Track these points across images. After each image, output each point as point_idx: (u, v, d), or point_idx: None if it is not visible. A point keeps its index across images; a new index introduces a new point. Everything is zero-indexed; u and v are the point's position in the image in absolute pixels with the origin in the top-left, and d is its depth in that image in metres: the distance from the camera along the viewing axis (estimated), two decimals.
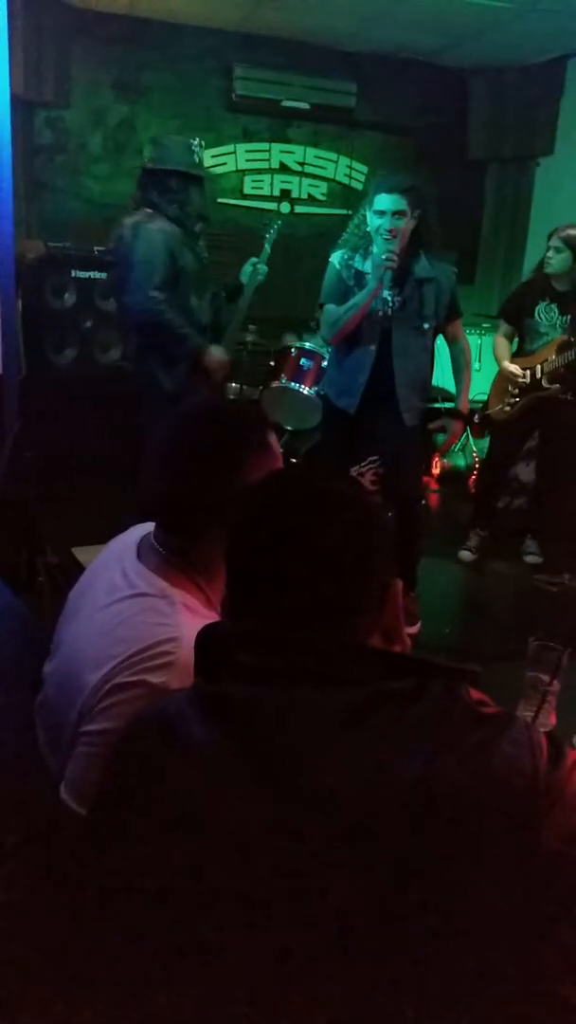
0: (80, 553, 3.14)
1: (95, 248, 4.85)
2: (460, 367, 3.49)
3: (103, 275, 4.80)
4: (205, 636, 0.92)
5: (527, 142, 5.63)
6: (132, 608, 1.24)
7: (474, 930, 0.77)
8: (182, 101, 5.33)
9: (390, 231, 3.05)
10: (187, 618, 1.21)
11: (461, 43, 5.11)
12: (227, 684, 0.88)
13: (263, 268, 3.68)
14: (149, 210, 3.29)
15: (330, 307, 3.27)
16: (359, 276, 3.21)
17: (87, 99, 5.14)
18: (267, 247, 3.76)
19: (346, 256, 3.25)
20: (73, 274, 4.72)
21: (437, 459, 5.54)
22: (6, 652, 1.44)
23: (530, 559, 4.30)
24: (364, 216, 3.18)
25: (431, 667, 0.87)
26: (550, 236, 3.96)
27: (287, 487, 0.97)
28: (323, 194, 5.81)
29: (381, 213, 3.07)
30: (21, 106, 4.78)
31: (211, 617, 1.25)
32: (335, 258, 3.29)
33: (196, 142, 3.43)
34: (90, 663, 1.20)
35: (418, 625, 3.41)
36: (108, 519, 1.48)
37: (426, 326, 3.24)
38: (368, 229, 3.15)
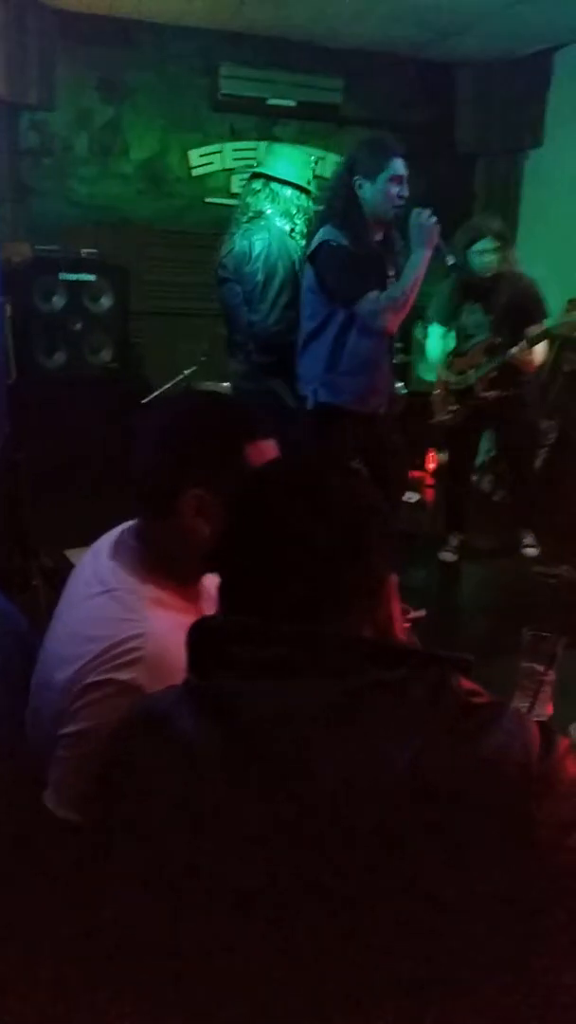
0: (73, 555, 3.12)
1: (83, 250, 4.84)
2: None
3: (92, 277, 4.80)
4: (196, 631, 0.92)
5: (515, 135, 5.62)
6: (100, 606, 1.22)
7: (470, 919, 0.77)
8: (168, 101, 5.31)
9: (401, 197, 3.02)
10: (155, 612, 1.19)
11: (447, 37, 5.09)
12: (219, 678, 0.87)
13: None
14: (263, 222, 3.28)
15: (373, 293, 3.05)
16: (369, 247, 3.10)
17: (72, 101, 5.12)
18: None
19: (340, 232, 3.05)
20: (61, 277, 4.71)
21: (432, 454, 5.52)
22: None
23: (528, 552, 4.29)
24: (350, 185, 3.05)
25: (423, 657, 0.86)
26: (476, 239, 3.78)
27: (280, 479, 0.96)
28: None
29: (400, 179, 3.02)
30: (5, 109, 4.77)
31: (184, 610, 1.23)
32: (334, 236, 3.04)
33: (313, 158, 3.48)
34: (61, 663, 1.19)
35: (423, 611, 3.40)
36: (101, 521, 1.46)
37: None
38: (365, 197, 3.04)
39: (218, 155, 5.48)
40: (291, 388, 3.34)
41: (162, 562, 1.26)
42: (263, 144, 5.50)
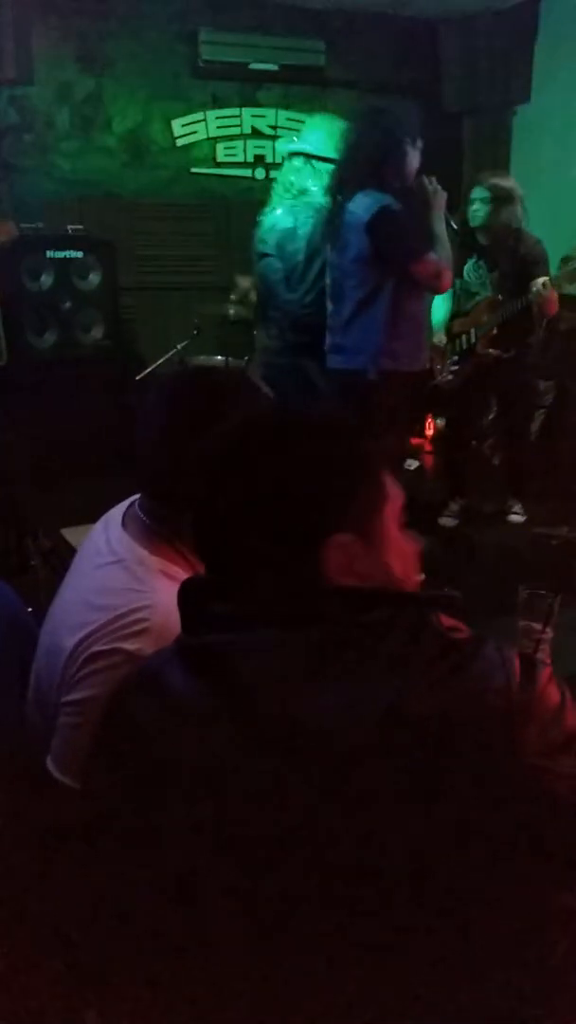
0: (70, 534, 3.11)
1: (69, 227, 4.78)
2: None
3: (79, 254, 4.74)
4: (184, 590, 0.94)
5: (503, 90, 5.53)
6: (109, 575, 1.24)
7: (461, 855, 0.77)
8: (148, 70, 5.22)
9: None
10: (163, 584, 1.20)
11: None
12: (204, 635, 0.89)
13: None
14: (308, 198, 3.25)
15: (433, 255, 3.02)
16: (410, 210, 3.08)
17: (51, 74, 5.03)
18: None
19: (386, 195, 2.97)
20: (48, 255, 4.65)
21: (430, 420, 5.49)
22: None
23: (514, 519, 4.26)
24: (390, 148, 2.99)
25: (403, 598, 0.88)
26: (472, 187, 3.83)
27: (239, 430, 0.96)
28: None
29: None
30: None
31: None
32: (388, 200, 2.94)
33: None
34: (69, 630, 1.20)
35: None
36: (98, 500, 1.47)
37: None
38: (407, 161, 3.01)
39: (202, 124, 5.40)
40: (320, 368, 3.32)
41: (169, 537, 1.27)
42: (245, 111, 5.45)
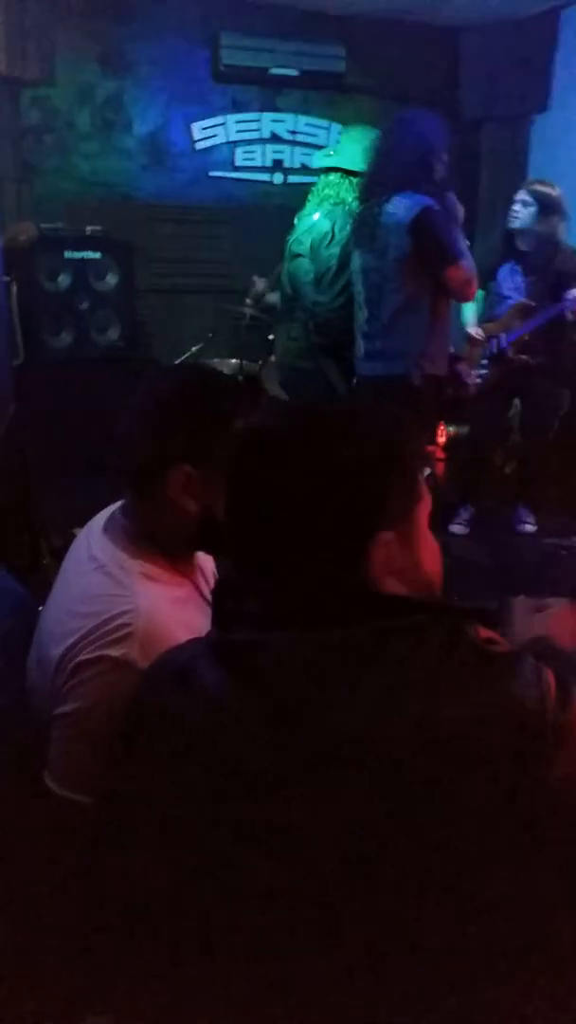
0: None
1: (88, 228, 4.79)
2: None
3: (97, 255, 4.76)
4: (218, 589, 0.96)
5: (521, 99, 5.52)
6: (91, 582, 1.22)
7: (484, 870, 0.78)
8: (169, 74, 5.24)
9: None
10: (145, 587, 1.19)
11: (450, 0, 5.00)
12: (237, 632, 0.89)
13: None
14: (346, 207, 3.30)
15: (467, 261, 3.02)
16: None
17: (73, 76, 5.06)
18: None
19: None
20: (67, 255, 4.67)
21: (442, 427, 5.48)
22: (6, 638, 1.42)
23: (525, 528, 4.25)
24: (428, 154, 3.03)
25: (437, 606, 0.87)
26: (518, 191, 3.88)
27: (259, 437, 0.96)
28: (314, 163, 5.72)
29: None
30: (7, 86, 4.73)
31: (175, 584, 1.24)
32: (429, 202, 2.95)
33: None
34: (55, 640, 1.19)
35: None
36: (110, 501, 1.47)
37: None
38: (440, 170, 3.03)
39: (221, 128, 5.42)
40: (340, 370, 3.35)
41: (151, 538, 1.25)
42: (264, 115, 5.46)
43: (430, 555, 0.95)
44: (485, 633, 0.85)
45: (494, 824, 0.77)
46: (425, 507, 0.95)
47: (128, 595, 1.17)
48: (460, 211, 3.09)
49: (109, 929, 0.93)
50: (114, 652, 1.12)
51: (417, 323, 3.07)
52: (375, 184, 3.08)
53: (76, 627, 1.15)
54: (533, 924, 0.80)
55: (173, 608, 1.15)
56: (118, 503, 1.34)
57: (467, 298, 3.19)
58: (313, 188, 3.52)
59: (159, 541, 1.25)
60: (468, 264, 3.02)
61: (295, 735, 0.81)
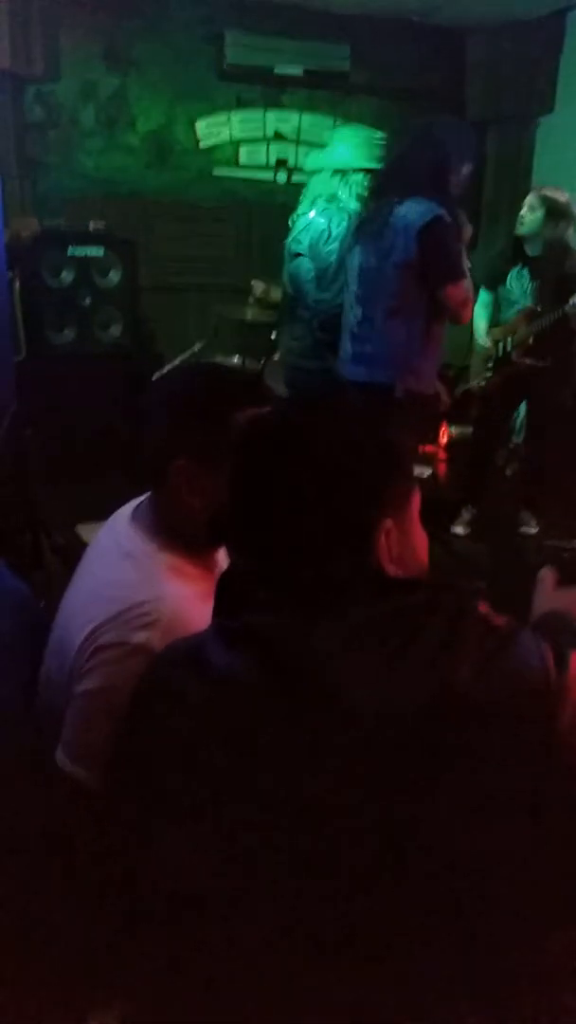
0: (84, 531, 3.13)
1: (91, 224, 4.79)
2: None
3: (100, 251, 4.75)
4: (225, 578, 0.97)
5: (527, 101, 5.52)
6: (119, 569, 1.25)
7: (498, 835, 0.81)
8: (173, 71, 5.23)
9: None
10: (170, 578, 1.22)
11: (456, 0, 4.98)
12: (247, 618, 0.91)
13: None
14: (341, 204, 3.33)
15: (467, 281, 2.92)
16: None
17: (77, 72, 5.05)
18: None
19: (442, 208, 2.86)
20: (69, 252, 4.66)
21: (444, 428, 5.48)
22: (7, 637, 1.42)
23: (526, 530, 4.26)
24: (445, 165, 2.93)
25: (442, 585, 0.91)
26: (527, 196, 3.87)
27: (262, 429, 0.99)
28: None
29: None
30: (11, 82, 4.72)
31: (198, 576, 1.26)
32: (443, 212, 2.83)
33: (379, 135, 3.47)
34: (79, 622, 1.21)
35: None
36: (112, 498, 1.48)
37: None
38: (458, 182, 2.95)
39: (225, 125, 5.41)
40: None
41: (172, 532, 1.28)
42: (268, 113, 5.46)
43: (421, 542, 1.00)
44: (484, 607, 0.90)
45: (508, 787, 0.81)
46: (417, 497, 0.99)
47: (155, 585, 1.20)
48: (468, 231, 3.01)
49: (119, 910, 0.93)
50: (136, 638, 1.14)
51: (410, 334, 2.96)
52: (388, 183, 3.00)
53: (101, 611, 1.18)
54: (552, 883, 0.84)
55: (197, 603, 1.18)
56: (145, 495, 1.37)
57: (461, 319, 3.01)
58: (305, 188, 3.53)
59: (179, 534, 1.28)
60: (469, 285, 2.94)
61: (307, 711, 0.84)
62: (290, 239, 3.52)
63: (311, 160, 3.68)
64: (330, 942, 0.82)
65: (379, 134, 3.46)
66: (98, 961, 0.97)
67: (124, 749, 1.03)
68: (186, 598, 1.20)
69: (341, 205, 3.33)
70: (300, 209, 3.50)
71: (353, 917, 0.82)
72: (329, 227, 3.32)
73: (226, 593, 0.96)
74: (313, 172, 3.52)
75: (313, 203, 3.41)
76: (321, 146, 5.64)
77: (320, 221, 3.35)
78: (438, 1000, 0.82)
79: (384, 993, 0.82)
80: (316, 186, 3.43)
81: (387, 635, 0.84)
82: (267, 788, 0.84)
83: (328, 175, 3.37)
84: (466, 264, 2.96)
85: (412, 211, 2.84)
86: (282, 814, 0.83)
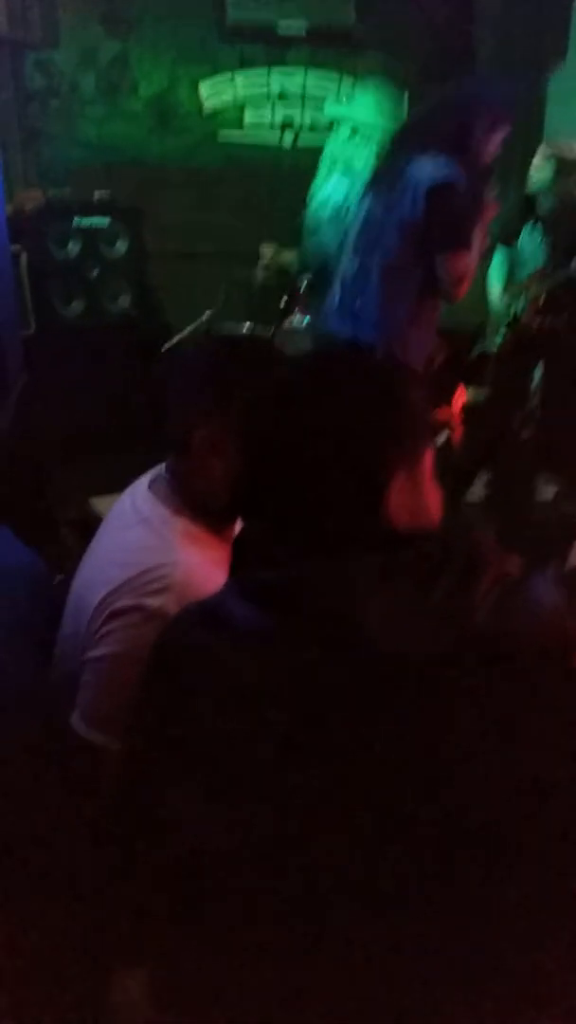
0: (98, 503, 3.12)
1: (96, 193, 4.73)
2: None
3: (106, 221, 4.70)
4: (241, 538, 0.99)
5: (537, 52, 5.37)
6: (135, 534, 1.27)
7: (513, 786, 0.80)
8: (174, 32, 5.13)
9: None
10: (186, 543, 1.24)
11: None
12: (265, 574, 0.92)
13: None
14: (352, 175, 3.35)
15: (473, 254, 2.76)
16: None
17: (76, 38, 4.96)
18: None
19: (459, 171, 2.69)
20: (75, 223, 4.60)
21: (461, 389, 5.42)
22: (20, 612, 1.42)
23: (542, 496, 4.23)
24: (473, 126, 2.78)
25: (455, 535, 0.93)
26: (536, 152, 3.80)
27: (275, 390, 0.99)
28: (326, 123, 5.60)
29: None
30: (9, 50, 4.65)
31: (214, 543, 1.27)
32: (459, 178, 2.66)
33: (406, 93, 3.46)
34: (94, 586, 1.23)
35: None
36: (125, 470, 1.50)
37: None
38: (484, 146, 2.82)
39: (229, 85, 5.31)
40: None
41: (190, 498, 1.30)
42: (273, 71, 5.35)
43: (435, 497, 1.00)
44: (496, 550, 0.92)
45: (536, 714, 0.81)
46: (431, 451, 1.00)
47: (170, 550, 1.22)
48: (493, 206, 2.81)
49: (142, 872, 0.94)
50: (151, 602, 1.16)
51: (403, 296, 2.79)
52: (408, 137, 2.86)
53: (116, 576, 1.20)
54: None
55: (211, 568, 1.18)
56: (162, 465, 1.39)
57: (454, 296, 2.79)
58: (323, 154, 3.48)
59: (198, 501, 1.29)
60: (472, 261, 2.75)
61: (327, 657, 0.84)
62: (308, 214, 3.49)
63: (330, 107, 3.58)
64: (355, 894, 0.82)
65: (399, 92, 3.38)
66: (120, 923, 0.97)
67: (144, 709, 1.03)
68: (201, 564, 1.21)
69: (355, 177, 3.27)
70: (317, 180, 3.46)
71: (376, 864, 0.82)
72: (346, 202, 3.28)
73: (243, 552, 0.97)
74: (331, 125, 3.45)
75: (328, 174, 3.37)
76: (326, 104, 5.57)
77: (337, 195, 3.33)
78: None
79: (406, 940, 0.82)
80: (332, 148, 3.38)
81: (407, 580, 0.86)
82: (292, 737, 0.85)
83: (347, 134, 3.31)
84: (478, 239, 2.77)
85: (425, 170, 2.70)
86: (307, 761, 0.84)
